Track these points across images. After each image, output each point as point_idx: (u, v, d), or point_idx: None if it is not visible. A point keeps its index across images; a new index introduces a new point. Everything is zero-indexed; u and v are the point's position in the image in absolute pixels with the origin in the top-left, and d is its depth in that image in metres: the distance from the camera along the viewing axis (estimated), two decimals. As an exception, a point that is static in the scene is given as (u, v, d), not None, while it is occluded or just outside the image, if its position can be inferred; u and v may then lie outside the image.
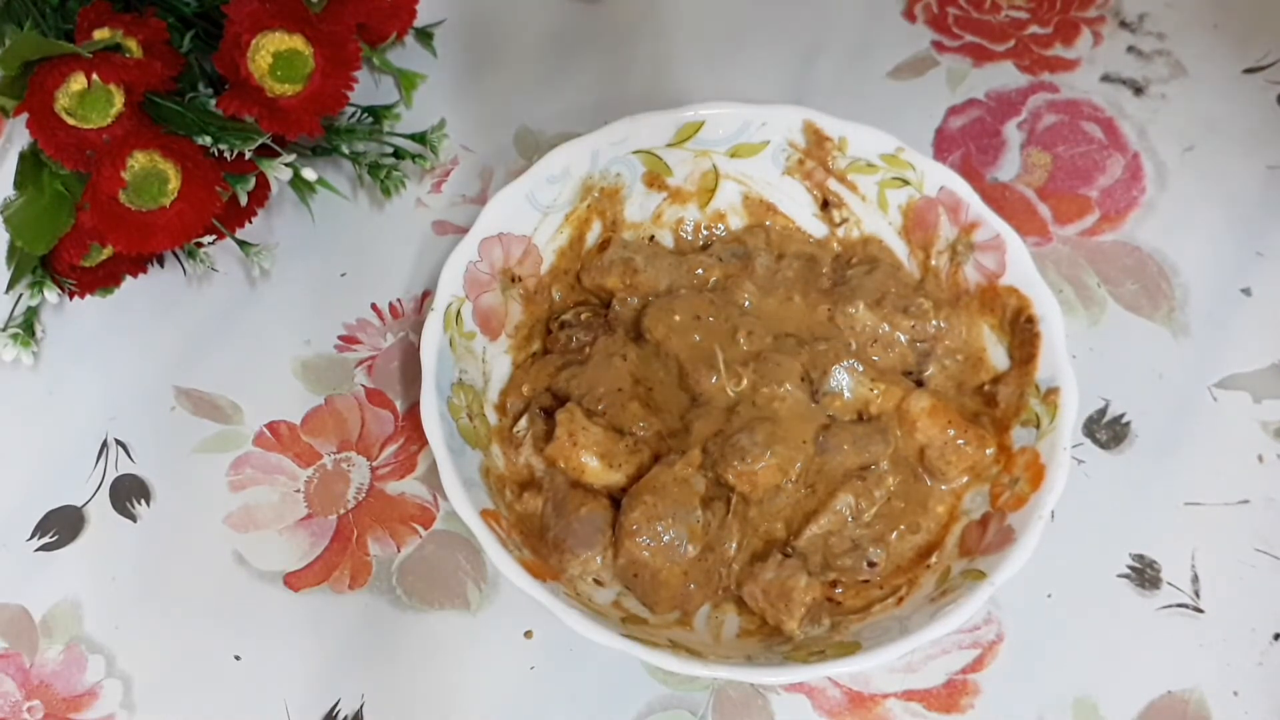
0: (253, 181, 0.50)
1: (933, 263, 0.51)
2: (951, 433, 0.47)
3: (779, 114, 0.52)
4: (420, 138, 0.55)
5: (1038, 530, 0.43)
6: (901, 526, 0.46)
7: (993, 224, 0.49)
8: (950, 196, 0.50)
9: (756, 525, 0.46)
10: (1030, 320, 0.47)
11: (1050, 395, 0.46)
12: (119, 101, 0.47)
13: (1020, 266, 0.48)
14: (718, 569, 0.45)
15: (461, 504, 0.43)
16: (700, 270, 0.51)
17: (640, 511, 0.44)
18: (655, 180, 0.53)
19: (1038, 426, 0.46)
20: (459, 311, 0.48)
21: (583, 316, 0.51)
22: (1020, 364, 0.47)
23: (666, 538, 0.44)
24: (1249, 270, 0.54)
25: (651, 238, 0.53)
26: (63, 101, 0.46)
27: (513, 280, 0.50)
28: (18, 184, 0.49)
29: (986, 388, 0.48)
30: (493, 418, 0.49)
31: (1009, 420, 0.47)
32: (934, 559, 0.45)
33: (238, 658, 0.46)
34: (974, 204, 0.50)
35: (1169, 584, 0.47)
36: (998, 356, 0.49)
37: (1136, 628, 0.46)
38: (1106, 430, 0.50)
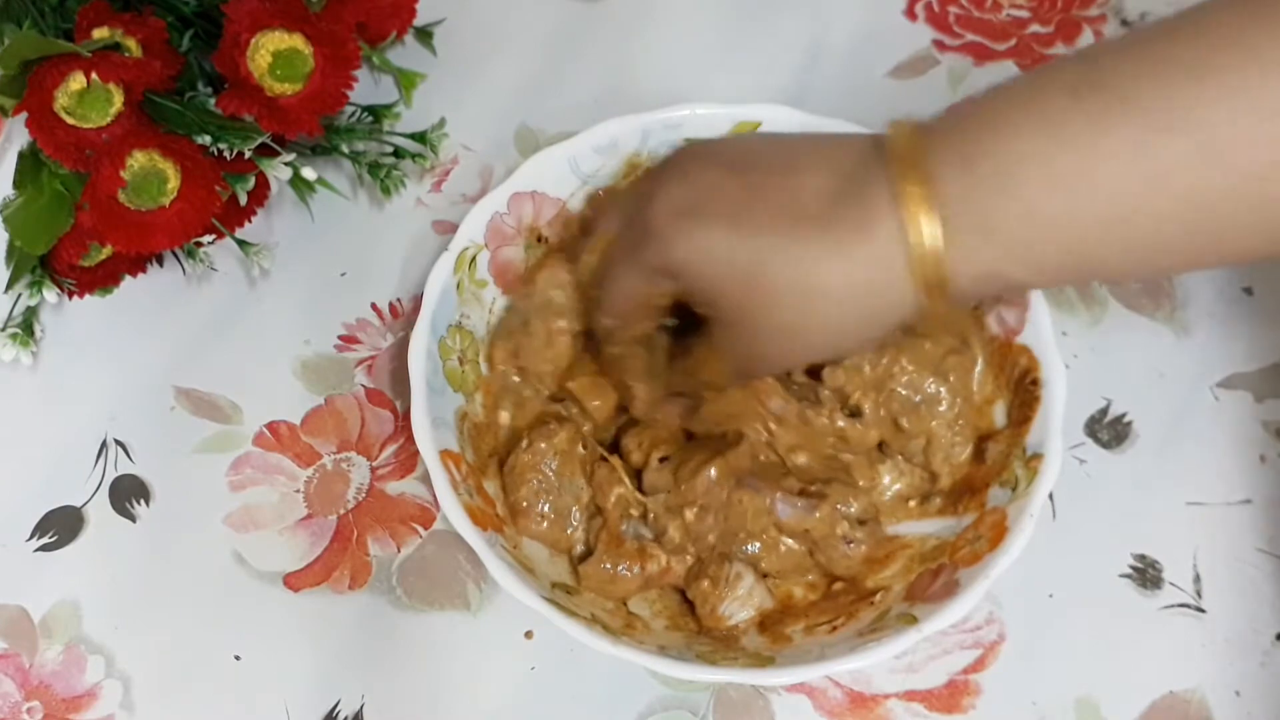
0: (252, 181, 0.49)
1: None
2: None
3: (841, 129, 0.48)
4: (420, 137, 0.55)
5: (981, 589, 0.41)
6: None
7: None
8: None
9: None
10: (1034, 383, 0.46)
11: (1033, 461, 0.44)
12: (118, 101, 0.46)
13: (1038, 327, 0.46)
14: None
15: (424, 439, 0.44)
16: None
17: (525, 502, 0.46)
18: None
19: (1014, 489, 0.44)
20: (474, 258, 0.48)
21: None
22: (1015, 424, 0.46)
23: (547, 507, 0.46)
24: (1250, 269, 0.53)
25: None
26: (62, 101, 0.46)
27: (538, 240, 0.50)
28: (17, 183, 0.49)
29: (979, 444, 0.47)
30: (484, 368, 0.49)
31: (990, 478, 0.46)
32: (878, 597, 0.44)
33: (238, 658, 0.46)
34: None
35: (1171, 584, 0.47)
36: (996, 414, 0.47)
37: (1138, 628, 0.46)
38: (1108, 430, 0.50)
